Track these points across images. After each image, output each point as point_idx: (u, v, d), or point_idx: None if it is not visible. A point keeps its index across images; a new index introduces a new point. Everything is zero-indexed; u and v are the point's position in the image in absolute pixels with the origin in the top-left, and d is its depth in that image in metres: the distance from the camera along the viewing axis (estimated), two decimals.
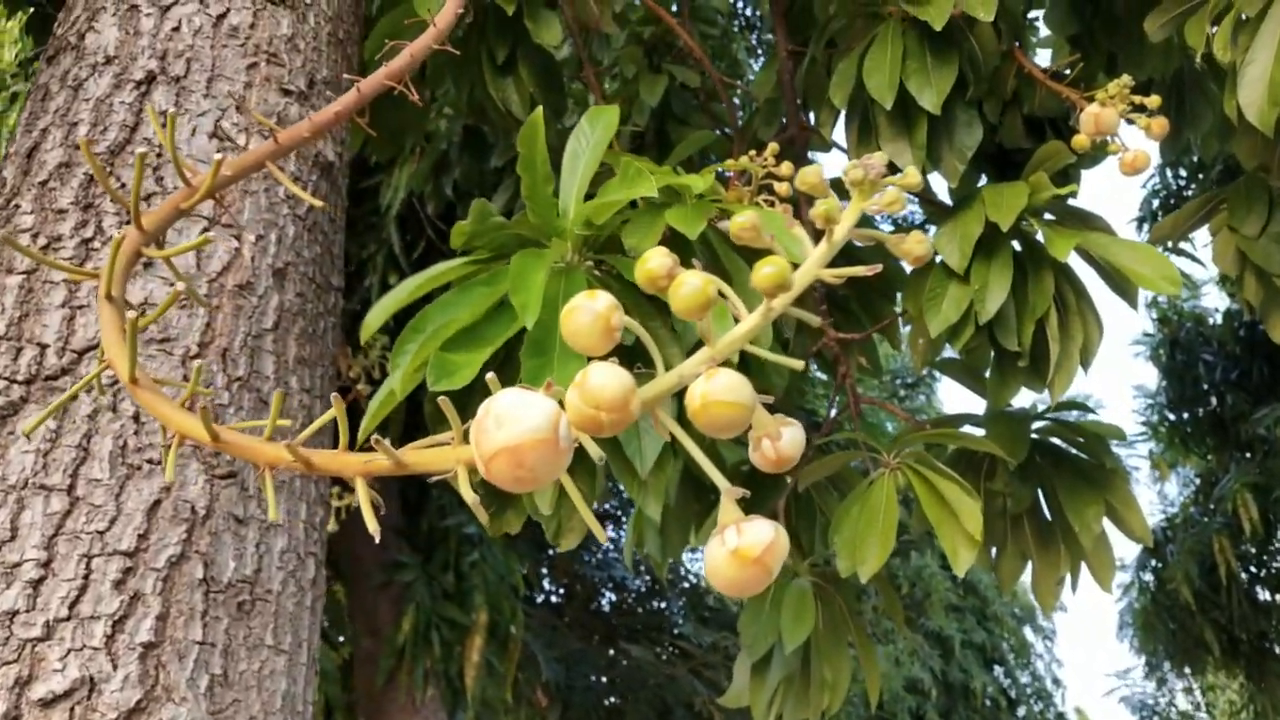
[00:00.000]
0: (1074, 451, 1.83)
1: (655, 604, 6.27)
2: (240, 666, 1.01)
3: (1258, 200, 1.62)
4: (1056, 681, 15.16)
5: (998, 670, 14.05)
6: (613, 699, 4.97)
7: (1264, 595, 6.32)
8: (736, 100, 2.60)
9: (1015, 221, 1.48)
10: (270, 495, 0.58)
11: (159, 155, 1.19)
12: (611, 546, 7.24)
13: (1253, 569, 6.35)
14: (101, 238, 1.12)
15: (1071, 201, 1.69)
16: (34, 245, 1.11)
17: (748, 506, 0.50)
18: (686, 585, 6.82)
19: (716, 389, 0.46)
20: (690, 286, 0.48)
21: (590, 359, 0.50)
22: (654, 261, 0.52)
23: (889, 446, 1.65)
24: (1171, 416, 6.96)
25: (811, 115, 1.87)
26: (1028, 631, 14.90)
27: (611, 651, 5.62)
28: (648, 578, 6.78)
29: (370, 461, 0.58)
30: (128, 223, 1.12)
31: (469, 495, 0.53)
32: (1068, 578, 1.85)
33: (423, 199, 3.09)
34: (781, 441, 0.55)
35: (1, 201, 1.18)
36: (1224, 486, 5.97)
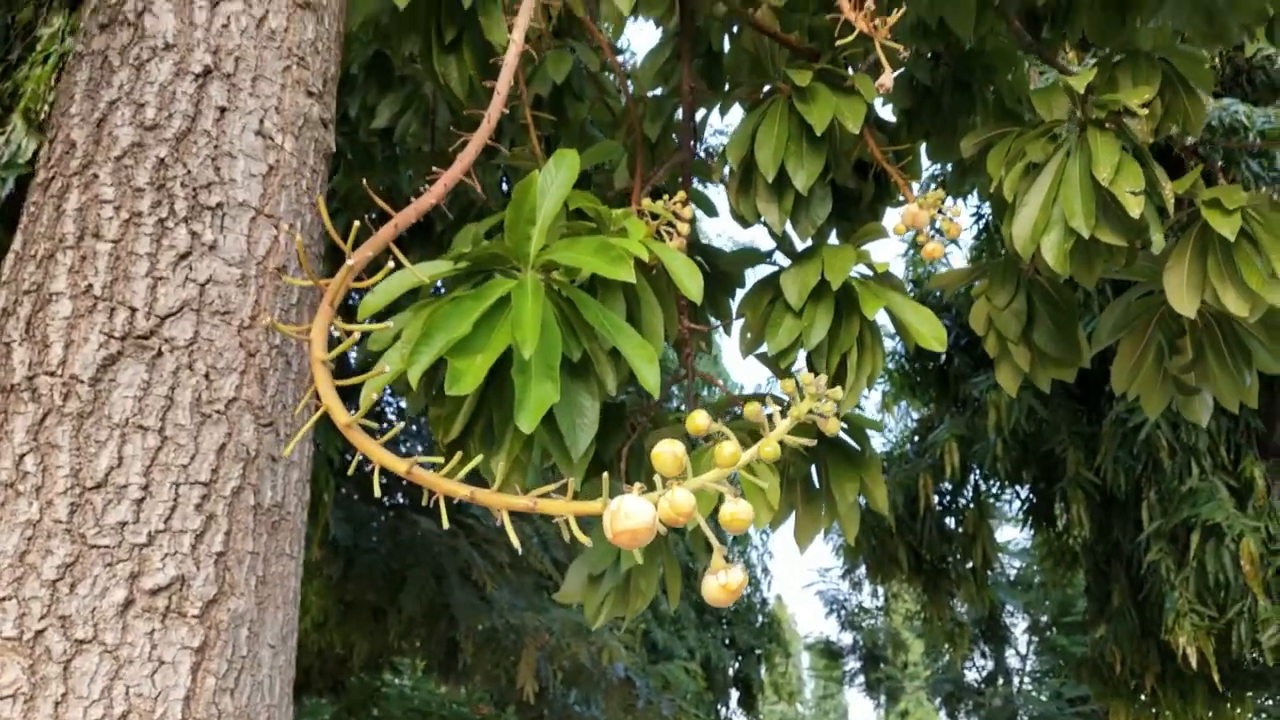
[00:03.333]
0: (844, 437, 2.40)
1: None
2: (272, 569, 1.37)
3: (1009, 281, 2.20)
4: (766, 570, 17.06)
5: None
6: (394, 564, 5.39)
7: (950, 525, 7.59)
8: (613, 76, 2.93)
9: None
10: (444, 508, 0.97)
11: (216, 148, 1.45)
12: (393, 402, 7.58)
13: (946, 504, 7.60)
14: (174, 219, 1.38)
15: None
16: (117, 217, 1.36)
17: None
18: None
19: (739, 510, 0.90)
20: (729, 450, 0.91)
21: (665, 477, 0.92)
22: (700, 420, 0.94)
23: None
24: (906, 365, 8.02)
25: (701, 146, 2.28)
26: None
27: (387, 519, 5.99)
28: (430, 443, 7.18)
29: (512, 501, 0.98)
30: (195, 207, 1.40)
31: (578, 533, 0.95)
32: (822, 531, 2.45)
33: None
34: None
35: (77, 165, 1.40)
36: (938, 434, 7.07)
